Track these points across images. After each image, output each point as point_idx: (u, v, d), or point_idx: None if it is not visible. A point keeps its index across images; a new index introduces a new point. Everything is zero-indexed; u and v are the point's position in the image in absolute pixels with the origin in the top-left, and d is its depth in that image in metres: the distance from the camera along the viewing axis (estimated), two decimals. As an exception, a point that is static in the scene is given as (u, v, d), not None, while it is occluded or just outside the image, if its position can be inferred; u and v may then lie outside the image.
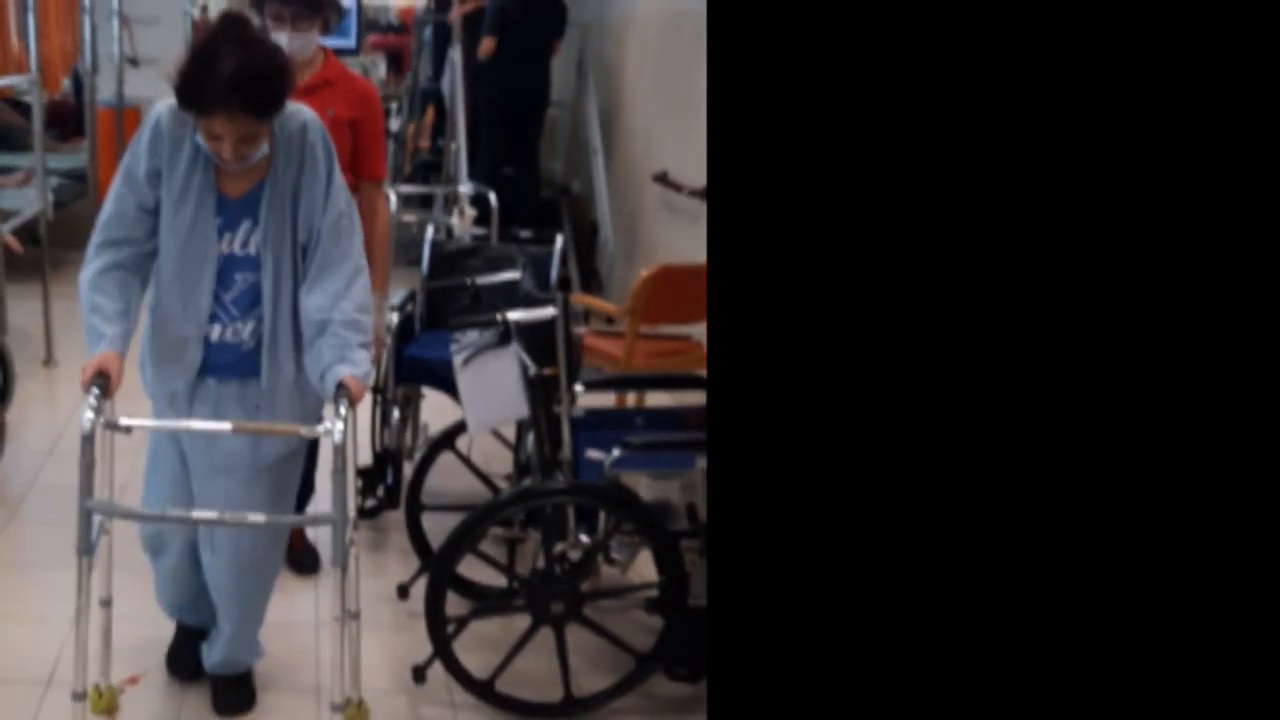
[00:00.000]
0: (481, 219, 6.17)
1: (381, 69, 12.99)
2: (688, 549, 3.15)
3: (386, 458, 4.19)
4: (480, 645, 3.24)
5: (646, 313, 4.62)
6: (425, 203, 8.18)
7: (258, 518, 2.73)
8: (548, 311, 3.19)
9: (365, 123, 3.59)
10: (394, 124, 9.66)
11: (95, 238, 2.73)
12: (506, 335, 3.08)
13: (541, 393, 3.21)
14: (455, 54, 7.76)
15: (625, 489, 3.10)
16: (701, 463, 3.17)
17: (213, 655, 3.09)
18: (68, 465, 2.81)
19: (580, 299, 5.27)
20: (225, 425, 2.70)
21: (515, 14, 7.25)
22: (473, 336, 3.14)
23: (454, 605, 3.21)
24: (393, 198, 5.77)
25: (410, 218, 6.19)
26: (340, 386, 2.63)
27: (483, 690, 3.12)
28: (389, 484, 4.16)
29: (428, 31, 9.29)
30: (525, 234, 6.69)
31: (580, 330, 4.86)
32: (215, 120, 2.54)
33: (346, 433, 2.57)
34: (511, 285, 3.75)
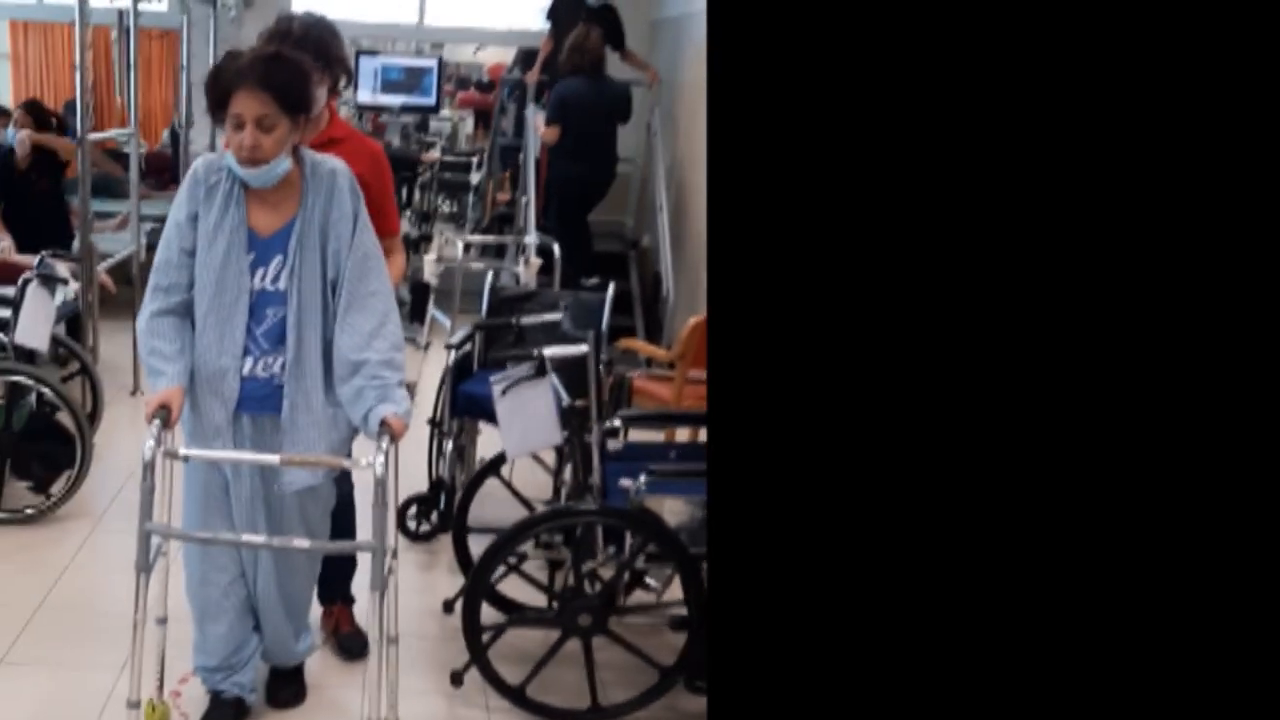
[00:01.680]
0: (547, 268, 6.50)
1: (469, 124, 13.40)
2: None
3: (441, 486, 4.48)
4: (518, 657, 3.47)
5: (695, 358, 4.87)
6: (500, 252, 8.49)
7: (302, 543, 2.95)
8: (580, 348, 3.47)
9: (375, 181, 3.50)
10: (474, 178, 10.03)
11: (150, 280, 2.96)
12: (542, 368, 3.35)
13: (576, 422, 3.48)
14: (530, 112, 8.08)
15: (649, 512, 3.33)
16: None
17: (264, 651, 3.32)
18: (160, 494, 3.12)
19: (631, 344, 5.53)
20: (274, 458, 2.84)
21: (576, 104, 7.27)
22: (513, 369, 3.40)
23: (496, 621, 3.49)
24: (459, 245, 6.13)
25: (479, 265, 6.48)
26: (383, 424, 2.82)
27: (515, 695, 3.37)
28: (442, 510, 4.44)
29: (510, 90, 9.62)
30: (590, 282, 6.95)
31: (634, 374, 5.14)
32: (236, 99, 2.77)
33: (388, 466, 2.76)
34: (553, 325, 4.04)
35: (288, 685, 3.41)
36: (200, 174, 2.93)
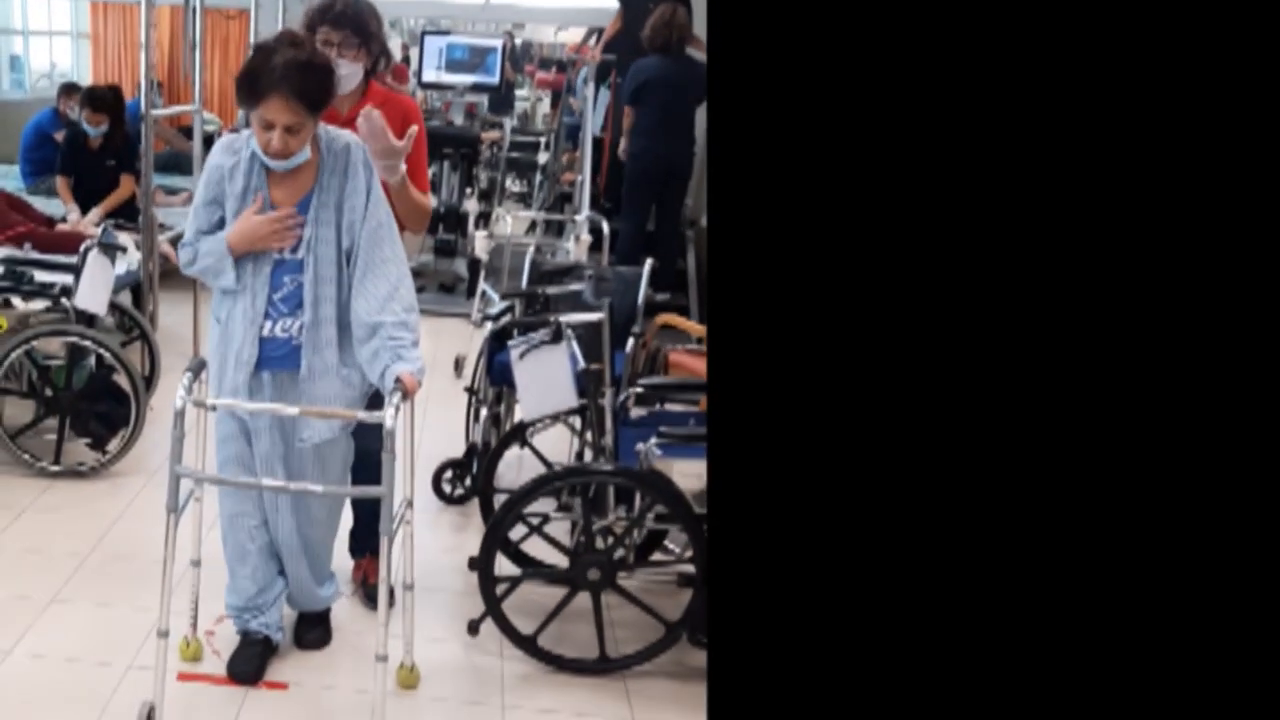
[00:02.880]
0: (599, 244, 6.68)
1: (546, 104, 13.61)
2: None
3: (475, 451, 4.65)
4: (535, 610, 3.63)
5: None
6: (561, 230, 8.67)
7: (316, 487, 3.18)
8: (595, 315, 3.63)
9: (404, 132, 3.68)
10: (542, 158, 10.22)
11: (179, 252, 3.27)
12: (558, 334, 3.51)
13: (592, 386, 3.64)
14: (589, 91, 8.23)
15: (659, 474, 3.47)
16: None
17: (290, 598, 3.56)
18: (196, 445, 3.34)
19: (670, 319, 5.65)
20: (293, 409, 3.09)
21: (656, 83, 7.35)
22: (532, 334, 3.57)
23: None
24: (509, 220, 6.30)
25: (526, 241, 6.64)
26: (397, 381, 3.02)
27: (527, 645, 3.54)
28: (475, 474, 4.62)
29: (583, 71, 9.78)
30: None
31: (671, 348, 5.28)
32: (270, 105, 2.96)
33: (398, 419, 2.97)
34: (577, 294, 4.21)
35: (313, 628, 3.62)
36: (217, 159, 3.17)
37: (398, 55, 13.34)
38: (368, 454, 3.52)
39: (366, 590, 3.89)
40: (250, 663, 3.42)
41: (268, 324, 3.16)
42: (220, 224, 3.17)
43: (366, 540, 3.89)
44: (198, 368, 3.10)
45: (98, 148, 6.79)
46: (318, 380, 3.19)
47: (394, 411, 2.95)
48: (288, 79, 2.94)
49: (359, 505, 3.78)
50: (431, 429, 5.11)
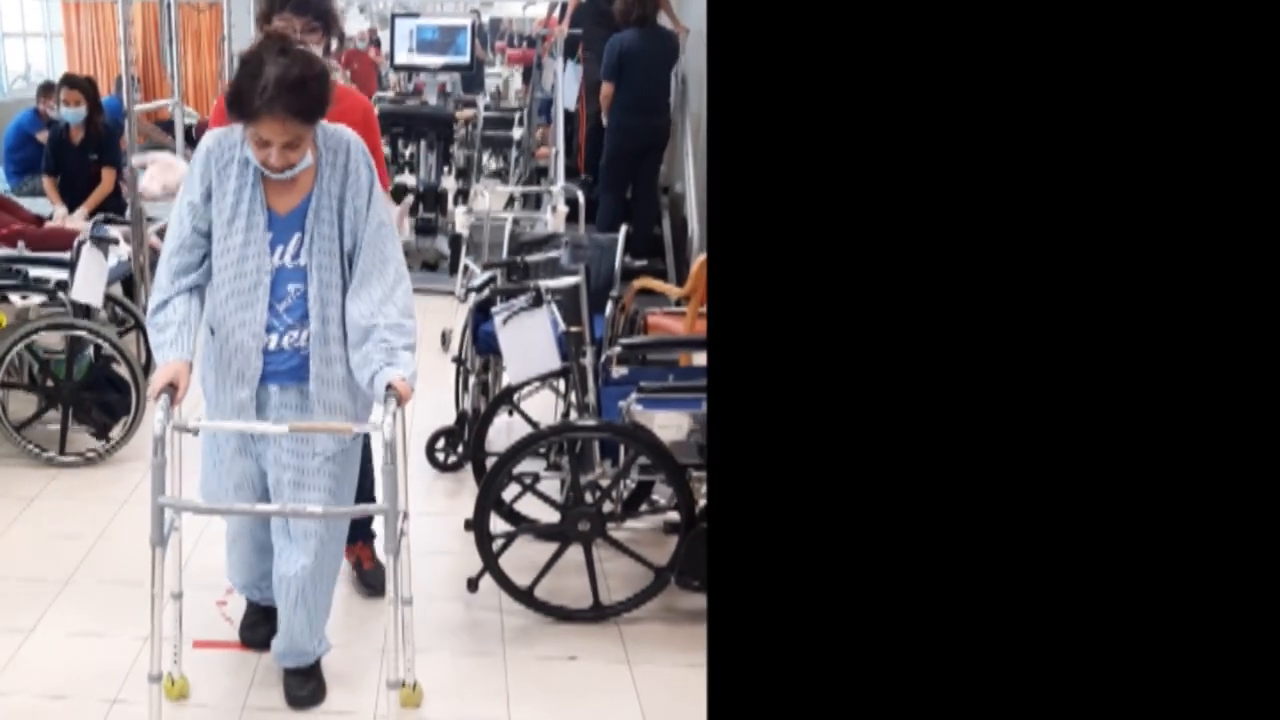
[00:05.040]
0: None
1: (517, 80, 13.72)
2: (699, 479, 3.71)
3: (465, 419, 4.83)
4: (530, 566, 3.78)
5: (704, 294, 5.16)
6: (539, 203, 8.81)
7: (315, 509, 2.97)
8: (572, 280, 3.80)
9: (363, 137, 3.29)
10: (516, 133, 10.35)
11: (162, 267, 2.97)
12: (538, 299, 3.68)
13: (574, 347, 3.81)
14: (558, 65, 8.34)
15: (641, 427, 3.64)
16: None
17: (279, 646, 3.29)
18: (172, 469, 3.08)
19: (646, 283, 5.82)
20: (282, 428, 2.89)
21: (636, 56, 7.40)
22: (514, 301, 3.73)
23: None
24: (486, 195, 6.45)
25: (504, 215, 6.81)
26: (389, 388, 2.83)
27: (524, 597, 3.72)
28: (466, 441, 4.79)
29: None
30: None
31: (650, 310, 5.45)
32: (263, 125, 2.75)
33: (395, 429, 2.79)
34: (553, 261, 4.38)
35: (305, 684, 3.34)
36: (213, 151, 2.94)
37: (367, 39, 13.48)
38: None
39: (361, 575, 3.92)
40: (259, 629, 3.51)
41: (272, 337, 2.97)
42: (209, 231, 2.96)
43: (359, 529, 3.88)
44: (172, 392, 2.83)
45: (79, 142, 6.89)
46: (327, 392, 3.01)
47: (391, 421, 2.79)
48: (280, 99, 2.73)
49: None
50: (422, 402, 5.26)
